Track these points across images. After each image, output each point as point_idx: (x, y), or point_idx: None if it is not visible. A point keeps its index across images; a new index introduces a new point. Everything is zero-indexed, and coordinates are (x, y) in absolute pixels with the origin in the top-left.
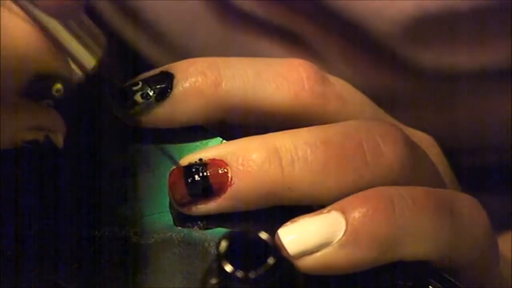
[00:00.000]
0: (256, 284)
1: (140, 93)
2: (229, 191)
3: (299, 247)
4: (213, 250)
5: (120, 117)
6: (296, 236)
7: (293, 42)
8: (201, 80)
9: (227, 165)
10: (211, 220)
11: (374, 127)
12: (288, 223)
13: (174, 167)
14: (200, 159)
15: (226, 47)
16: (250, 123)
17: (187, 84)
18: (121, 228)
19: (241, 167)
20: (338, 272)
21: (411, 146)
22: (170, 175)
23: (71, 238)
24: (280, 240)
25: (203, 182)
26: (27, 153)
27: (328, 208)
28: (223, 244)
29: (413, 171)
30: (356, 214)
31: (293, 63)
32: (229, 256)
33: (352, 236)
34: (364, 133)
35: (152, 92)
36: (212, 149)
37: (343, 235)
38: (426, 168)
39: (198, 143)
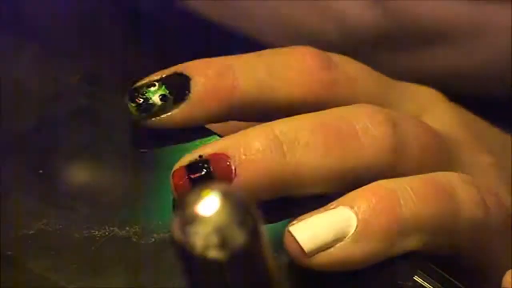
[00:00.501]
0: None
1: (158, 95)
2: (235, 183)
3: (314, 243)
4: None
5: (136, 118)
6: (310, 232)
7: None
8: (218, 83)
9: (229, 157)
10: None
11: (360, 110)
12: (296, 221)
13: (175, 168)
14: (200, 156)
15: None
16: (263, 120)
17: (204, 87)
18: (121, 228)
19: (243, 157)
20: (351, 267)
21: (398, 125)
22: (172, 176)
23: (71, 238)
24: (292, 237)
25: (208, 178)
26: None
27: (335, 203)
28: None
29: (403, 149)
30: (365, 208)
31: (300, 51)
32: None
33: (364, 229)
34: (353, 116)
35: (170, 94)
36: (211, 145)
37: (356, 228)
38: (418, 143)
39: (197, 142)
